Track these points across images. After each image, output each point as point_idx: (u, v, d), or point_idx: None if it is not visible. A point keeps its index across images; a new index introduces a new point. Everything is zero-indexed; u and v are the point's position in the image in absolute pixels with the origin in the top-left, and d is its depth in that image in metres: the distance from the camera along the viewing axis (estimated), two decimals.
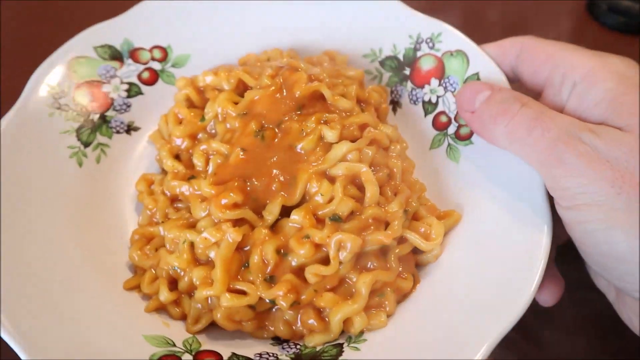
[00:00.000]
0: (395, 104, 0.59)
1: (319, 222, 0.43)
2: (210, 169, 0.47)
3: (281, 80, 0.49)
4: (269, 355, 0.43)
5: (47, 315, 0.40)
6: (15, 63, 0.71)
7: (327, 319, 0.43)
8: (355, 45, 0.59)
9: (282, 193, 0.45)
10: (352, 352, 0.42)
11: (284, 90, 0.49)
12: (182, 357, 0.41)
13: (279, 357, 0.42)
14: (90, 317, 0.42)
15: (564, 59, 0.45)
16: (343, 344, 0.43)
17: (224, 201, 0.44)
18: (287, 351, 0.44)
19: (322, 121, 0.47)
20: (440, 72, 0.55)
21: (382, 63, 0.59)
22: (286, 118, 0.48)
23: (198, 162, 0.49)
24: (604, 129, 0.40)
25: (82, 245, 0.47)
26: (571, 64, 0.44)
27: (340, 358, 0.41)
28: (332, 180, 0.44)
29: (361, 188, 0.45)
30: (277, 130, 0.47)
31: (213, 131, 0.52)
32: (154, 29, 0.58)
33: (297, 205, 0.45)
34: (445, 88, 0.55)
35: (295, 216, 0.43)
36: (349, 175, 0.44)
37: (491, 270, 0.43)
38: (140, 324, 0.44)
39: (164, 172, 0.53)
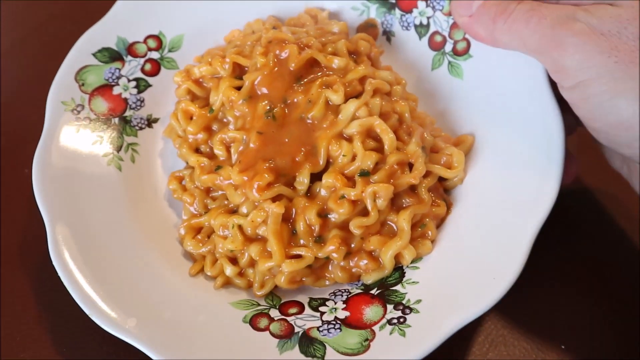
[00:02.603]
0: (388, 34, 0.61)
1: (349, 179, 0.49)
2: (234, 157, 0.52)
3: (274, 57, 0.52)
4: (343, 291, 0.50)
5: (151, 311, 0.47)
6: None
7: (379, 258, 0.49)
8: None
9: (307, 163, 0.50)
10: (412, 271, 0.49)
11: (280, 65, 0.52)
12: (270, 313, 0.49)
13: (351, 290, 0.50)
14: (182, 304, 0.49)
15: None
16: (402, 267, 0.49)
17: (257, 184, 0.49)
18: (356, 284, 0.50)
19: (323, 86, 0.50)
20: None
21: None
22: (290, 91, 0.52)
23: (219, 151, 0.54)
24: (595, 6, 0.43)
25: (147, 245, 0.53)
26: None
27: (405, 279, 0.48)
28: (349, 139, 0.50)
29: (377, 138, 0.50)
30: (284, 106, 0.51)
31: (225, 119, 0.55)
32: (141, 20, 0.61)
33: (324, 170, 0.50)
34: (434, 8, 0.57)
35: (328, 179, 0.48)
36: (364, 130, 0.49)
37: (513, 180, 0.48)
38: (220, 297, 0.51)
39: (188, 166, 0.58)
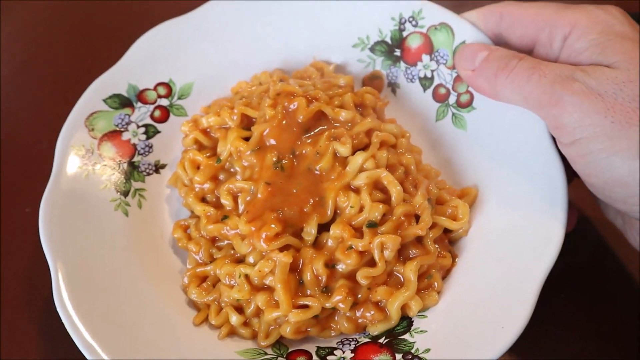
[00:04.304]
0: (393, 86, 0.64)
1: (356, 230, 0.51)
2: (241, 207, 0.54)
3: (282, 109, 0.54)
4: (350, 340, 0.51)
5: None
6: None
7: (386, 309, 0.50)
8: (343, 38, 0.64)
9: (315, 214, 0.51)
10: (420, 320, 0.50)
11: (288, 118, 0.54)
12: None
13: (359, 339, 0.50)
14: (186, 352, 0.50)
15: (549, 18, 0.51)
16: (411, 317, 0.50)
17: (265, 234, 0.50)
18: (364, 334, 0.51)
19: (332, 138, 0.53)
20: (429, 48, 0.59)
21: (372, 49, 0.63)
22: (298, 143, 0.53)
23: (226, 201, 0.55)
24: (593, 68, 0.46)
25: (152, 292, 0.54)
26: (557, 21, 0.50)
27: (413, 328, 0.49)
28: (356, 190, 0.52)
29: (384, 190, 0.52)
30: (292, 157, 0.53)
31: (232, 169, 0.57)
32: (152, 68, 0.64)
33: (331, 221, 0.52)
34: (437, 61, 0.59)
35: (336, 230, 0.50)
36: (371, 182, 0.51)
37: (518, 229, 0.50)
38: (226, 346, 0.52)
39: (194, 215, 0.59)
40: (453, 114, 0.59)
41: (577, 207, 0.56)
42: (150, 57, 0.63)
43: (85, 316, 0.49)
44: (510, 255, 0.49)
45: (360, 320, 0.51)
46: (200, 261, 0.56)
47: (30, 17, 0.86)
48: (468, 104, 0.58)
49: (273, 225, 0.50)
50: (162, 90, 0.63)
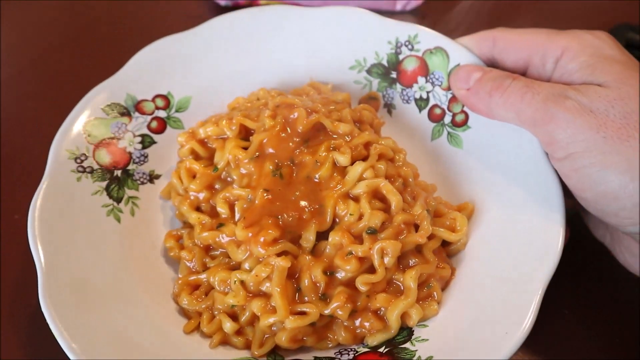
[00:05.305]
0: (389, 106, 0.65)
1: (356, 238, 0.51)
2: (237, 214, 0.54)
3: (281, 118, 0.55)
4: (349, 350, 0.50)
5: None
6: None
7: (385, 317, 0.49)
8: (340, 60, 0.67)
9: (314, 221, 0.52)
10: (421, 329, 0.49)
11: (288, 128, 0.55)
12: None
13: (357, 349, 0.50)
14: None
15: (541, 42, 0.54)
16: (411, 327, 0.50)
17: (262, 239, 0.50)
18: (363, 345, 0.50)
19: (331, 148, 0.54)
20: (424, 70, 0.62)
21: (369, 71, 0.65)
22: (297, 152, 0.54)
23: (222, 209, 0.55)
24: (585, 86, 0.49)
25: (142, 300, 0.53)
26: (549, 45, 0.53)
27: (414, 337, 0.49)
28: (355, 199, 0.52)
29: (383, 200, 0.53)
30: (292, 165, 0.53)
31: (229, 179, 0.57)
32: (151, 80, 0.65)
33: (328, 229, 0.52)
34: (433, 83, 0.61)
35: (335, 237, 0.50)
36: (370, 191, 0.52)
37: (516, 240, 0.51)
38: (219, 355, 0.51)
39: (186, 225, 0.59)
40: (448, 132, 0.61)
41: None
42: (150, 69, 0.64)
43: (72, 321, 0.47)
44: (510, 265, 0.50)
45: (358, 330, 0.50)
46: (192, 269, 0.55)
47: (29, 22, 0.87)
48: (463, 123, 0.60)
49: (271, 231, 0.50)
50: (160, 102, 0.64)
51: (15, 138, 0.73)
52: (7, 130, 0.74)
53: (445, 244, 0.54)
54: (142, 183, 0.61)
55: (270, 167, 0.54)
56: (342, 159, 0.53)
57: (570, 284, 0.57)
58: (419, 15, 0.84)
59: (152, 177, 0.62)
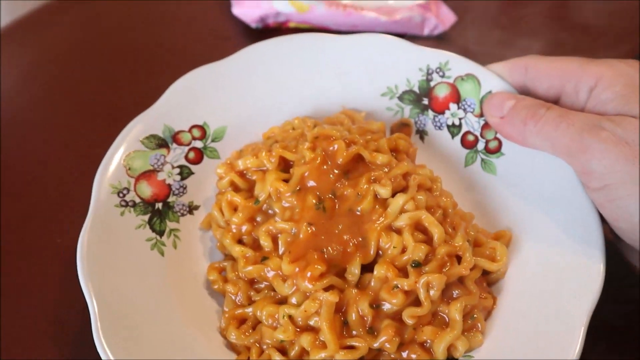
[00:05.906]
0: (421, 133, 0.66)
1: (400, 270, 0.52)
2: (282, 247, 0.55)
3: (321, 151, 0.56)
4: None
5: None
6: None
7: (431, 349, 0.51)
8: (371, 87, 0.67)
9: (358, 254, 0.53)
10: None
11: (328, 160, 0.56)
12: None
13: None
14: None
15: (574, 71, 0.54)
16: (457, 359, 0.51)
17: (310, 274, 0.52)
18: None
19: (371, 180, 0.55)
20: (456, 97, 0.63)
21: (400, 98, 0.66)
22: (338, 185, 0.55)
23: (265, 242, 0.56)
24: (620, 117, 0.50)
25: (189, 334, 0.54)
26: (582, 74, 0.53)
27: None
28: (397, 231, 0.53)
29: (424, 231, 0.54)
30: (334, 198, 0.55)
31: (270, 211, 0.58)
32: (188, 110, 0.66)
33: (372, 262, 0.53)
34: (465, 110, 0.63)
35: (380, 270, 0.51)
36: (412, 223, 0.53)
37: (557, 267, 0.52)
38: None
39: (228, 257, 0.60)
40: (482, 159, 0.62)
41: None
42: (186, 99, 0.65)
43: (122, 355, 0.49)
44: (551, 294, 0.51)
45: None
46: (238, 303, 0.56)
47: (59, 48, 0.88)
48: (497, 150, 0.61)
49: (318, 266, 0.51)
50: (196, 133, 0.65)
51: (55, 160, 0.74)
52: (49, 153, 0.75)
53: (485, 272, 0.55)
54: (182, 215, 0.62)
55: (313, 200, 0.55)
56: (384, 192, 0.54)
57: None
58: (447, 40, 0.85)
59: (192, 209, 0.63)
